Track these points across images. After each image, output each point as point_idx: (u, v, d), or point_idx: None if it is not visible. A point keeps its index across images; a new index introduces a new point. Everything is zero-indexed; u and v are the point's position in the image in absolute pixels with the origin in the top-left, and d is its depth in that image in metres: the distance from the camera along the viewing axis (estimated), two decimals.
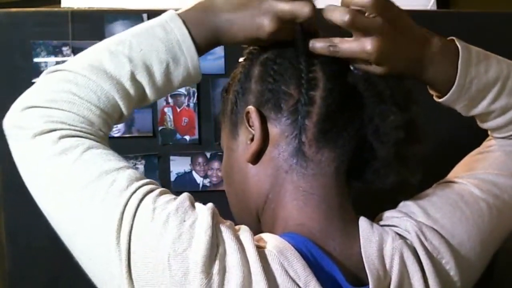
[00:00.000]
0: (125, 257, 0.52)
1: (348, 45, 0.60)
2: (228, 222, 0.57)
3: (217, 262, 0.52)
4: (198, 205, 0.57)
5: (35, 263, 1.24)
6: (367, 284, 0.57)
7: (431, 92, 0.69)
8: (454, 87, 0.64)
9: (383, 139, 0.60)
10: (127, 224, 0.53)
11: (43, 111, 0.59)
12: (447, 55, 0.64)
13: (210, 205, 0.57)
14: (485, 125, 0.73)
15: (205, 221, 0.54)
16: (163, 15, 0.64)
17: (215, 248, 0.53)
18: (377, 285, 0.57)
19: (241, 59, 0.70)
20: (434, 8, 1.69)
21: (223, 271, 0.52)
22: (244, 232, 0.56)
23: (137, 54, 0.61)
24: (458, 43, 0.65)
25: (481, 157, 0.74)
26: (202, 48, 0.64)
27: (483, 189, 0.67)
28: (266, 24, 0.61)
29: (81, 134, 0.58)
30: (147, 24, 0.64)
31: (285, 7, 0.60)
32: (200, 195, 1.38)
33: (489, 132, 0.76)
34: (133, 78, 0.61)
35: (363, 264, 0.58)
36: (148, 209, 0.54)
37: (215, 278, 0.51)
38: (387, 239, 0.60)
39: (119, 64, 0.61)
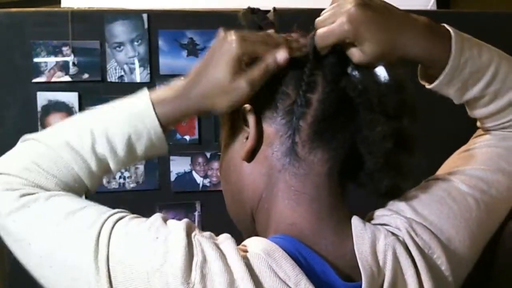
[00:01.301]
0: (107, 284, 0.53)
1: (324, 31, 0.60)
2: (207, 233, 0.57)
3: (196, 271, 0.52)
4: (171, 221, 0.58)
5: None
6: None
7: (422, 82, 0.69)
8: (448, 66, 0.63)
9: (372, 149, 0.60)
10: (103, 252, 0.54)
11: (4, 178, 0.61)
12: (437, 35, 0.64)
13: (184, 220, 0.57)
14: (476, 113, 0.72)
15: (178, 234, 0.54)
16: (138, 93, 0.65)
17: (191, 258, 0.53)
18: (371, 282, 0.57)
19: None
20: (434, 8, 1.69)
21: (204, 280, 0.52)
22: (225, 240, 0.56)
23: (99, 126, 0.63)
24: (448, 27, 0.65)
25: (468, 154, 0.74)
26: (170, 122, 0.64)
27: (470, 184, 0.68)
28: (234, 46, 0.59)
29: (38, 191, 0.60)
30: (121, 100, 0.65)
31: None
32: (200, 195, 1.38)
33: (478, 124, 0.76)
34: (93, 150, 0.62)
35: (357, 262, 0.58)
36: (121, 233, 0.55)
37: (197, 287, 0.51)
38: (379, 236, 0.60)
39: (80, 136, 0.62)
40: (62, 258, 0.56)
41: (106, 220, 0.56)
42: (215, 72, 0.61)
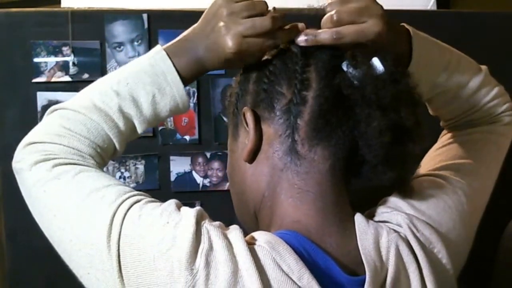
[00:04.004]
0: (116, 264, 0.55)
1: (356, 30, 0.61)
2: (217, 223, 0.58)
3: (201, 258, 0.53)
4: (184, 208, 0.59)
5: (35, 263, 1.24)
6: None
7: None
8: (410, 65, 0.67)
9: (370, 142, 0.60)
10: (116, 232, 0.55)
11: (39, 146, 0.63)
12: (401, 35, 0.68)
13: (197, 207, 0.59)
14: (438, 111, 0.78)
15: (188, 221, 0.55)
16: (151, 50, 0.68)
17: (198, 245, 0.54)
18: (374, 276, 0.57)
19: None
20: (434, 8, 1.69)
21: (208, 267, 0.52)
22: (233, 230, 0.57)
23: (124, 88, 0.65)
24: (407, 27, 0.70)
25: (445, 149, 0.77)
26: (187, 78, 0.67)
27: (457, 178, 0.70)
28: (229, 45, 0.63)
29: (73, 162, 0.62)
30: (136, 60, 0.68)
31: (246, 24, 0.62)
32: (200, 195, 1.38)
33: (441, 123, 0.81)
34: (120, 110, 0.65)
35: (360, 259, 0.59)
36: (135, 216, 0.57)
37: (200, 274, 0.52)
38: (382, 233, 0.61)
39: (107, 98, 0.65)
40: (80, 233, 0.58)
41: (123, 201, 0.58)
42: (211, 56, 0.65)
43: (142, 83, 0.65)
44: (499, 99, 0.76)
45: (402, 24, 0.70)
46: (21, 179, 0.64)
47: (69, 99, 0.68)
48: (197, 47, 0.65)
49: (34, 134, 0.65)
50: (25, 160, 0.63)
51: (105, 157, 0.66)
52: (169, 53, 0.66)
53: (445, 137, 0.79)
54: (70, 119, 0.64)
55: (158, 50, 0.66)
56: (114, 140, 0.66)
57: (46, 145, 0.63)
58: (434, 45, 0.71)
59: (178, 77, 0.65)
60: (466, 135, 0.76)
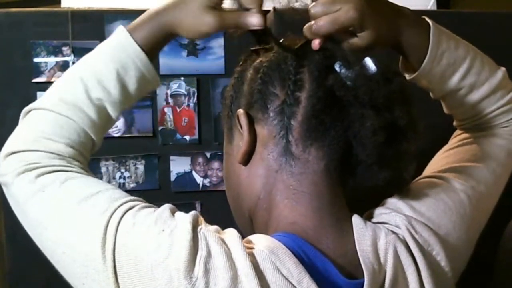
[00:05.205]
0: (112, 274, 0.54)
1: (329, 19, 0.60)
2: (214, 227, 0.57)
3: (199, 266, 0.52)
4: (179, 213, 0.58)
5: (35, 263, 1.23)
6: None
7: (404, 72, 0.71)
8: (427, 58, 0.66)
9: (363, 142, 0.60)
10: (110, 242, 0.54)
11: (19, 156, 0.62)
12: (419, 27, 0.67)
13: (192, 212, 0.57)
14: (453, 108, 0.76)
15: (184, 227, 0.54)
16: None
17: (196, 252, 0.53)
18: (372, 279, 0.57)
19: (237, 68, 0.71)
20: (434, 8, 1.69)
21: (207, 274, 0.52)
22: (231, 235, 0.56)
23: (87, 73, 0.64)
24: (428, 20, 0.68)
25: (452, 152, 0.76)
26: (151, 46, 0.65)
27: (461, 181, 0.69)
28: (209, 19, 0.62)
29: (56, 168, 0.60)
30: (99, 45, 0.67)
31: None
32: (200, 195, 1.38)
33: (454, 123, 0.80)
34: (89, 97, 0.63)
35: (358, 261, 0.59)
36: (129, 225, 0.55)
37: (199, 282, 0.51)
38: (380, 234, 0.61)
39: (73, 88, 0.63)
40: (73, 244, 0.57)
41: (116, 209, 0.56)
42: (192, 2, 0.62)
43: (104, 62, 0.63)
44: None
45: (423, 17, 0.69)
46: (7, 192, 0.62)
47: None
48: (166, 17, 0.64)
49: (12, 143, 0.64)
50: (7, 173, 0.61)
51: (85, 153, 0.65)
52: (128, 27, 0.65)
53: (455, 139, 0.79)
54: (41, 120, 0.63)
55: (118, 29, 0.65)
56: (89, 132, 0.64)
57: (26, 154, 0.61)
58: (454, 43, 0.69)
59: (137, 47, 0.63)
60: (475, 138, 0.75)
